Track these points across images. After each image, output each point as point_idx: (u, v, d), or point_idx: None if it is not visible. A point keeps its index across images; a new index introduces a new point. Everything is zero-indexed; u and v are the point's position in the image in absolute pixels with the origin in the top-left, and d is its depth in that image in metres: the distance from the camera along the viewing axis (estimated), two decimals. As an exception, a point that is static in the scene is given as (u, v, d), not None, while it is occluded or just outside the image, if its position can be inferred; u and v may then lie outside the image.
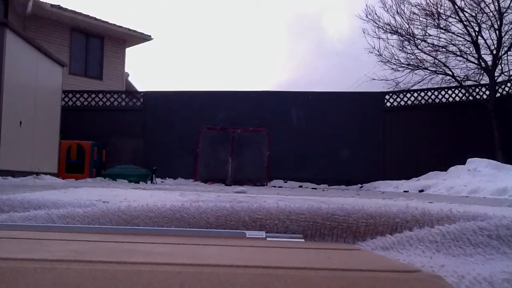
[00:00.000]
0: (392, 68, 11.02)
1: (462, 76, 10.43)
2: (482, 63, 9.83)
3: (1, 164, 5.23)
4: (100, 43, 15.61)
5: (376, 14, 11.01)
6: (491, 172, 6.60)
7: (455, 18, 10.06)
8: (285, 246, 0.63)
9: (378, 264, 0.47)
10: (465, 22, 9.88)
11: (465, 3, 9.78)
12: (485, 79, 9.94)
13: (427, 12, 10.30)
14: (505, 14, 9.42)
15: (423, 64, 10.70)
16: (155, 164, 8.64)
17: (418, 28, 10.59)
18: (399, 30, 10.71)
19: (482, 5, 9.58)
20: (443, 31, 10.34)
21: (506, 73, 9.89)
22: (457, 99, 10.02)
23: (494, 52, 9.65)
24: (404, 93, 10.53)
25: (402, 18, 10.62)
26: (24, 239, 0.58)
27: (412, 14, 10.50)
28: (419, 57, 10.70)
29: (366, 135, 10.16)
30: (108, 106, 10.80)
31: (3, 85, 5.15)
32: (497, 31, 9.59)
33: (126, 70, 16.58)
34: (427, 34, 10.55)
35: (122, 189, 3.08)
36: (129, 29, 15.71)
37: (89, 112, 10.71)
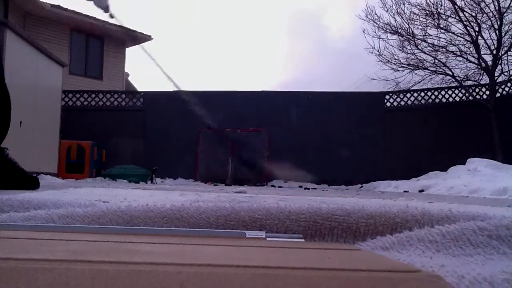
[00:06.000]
0: (392, 68, 11.03)
1: (462, 76, 10.44)
2: (482, 63, 9.83)
3: (1, 164, 5.21)
4: (100, 43, 15.62)
5: (376, 14, 11.03)
6: (491, 172, 6.60)
7: (455, 18, 10.07)
8: (285, 246, 0.63)
9: (378, 264, 0.47)
10: (465, 22, 9.88)
11: (465, 3, 9.78)
12: (485, 79, 9.94)
13: (427, 12, 10.31)
14: (505, 14, 9.42)
15: (423, 64, 10.70)
16: (155, 164, 8.64)
17: (418, 28, 10.60)
18: (399, 30, 10.71)
19: (482, 5, 9.59)
20: (443, 31, 10.34)
21: (506, 73, 9.90)
22: (457, 99, 10.02)
23: (494, 52, 9.65)
24: (404, 93, 10.53)
25: (402, 18, 10.63)
26: (24, 239, 0.58)
27: (412, 14, 10.51)
28: (419, 57, 10.70)
29: (366, 135, 10.15)
30: (108, 106, 10.79)
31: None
32: (497, 31, 9.59)
33: (126, 70, 16.59)
34: (427, 34, 10.56)
35: (122, 189, 3.09)
36: (129, 29, 15.71)
37: (89, 112, 10.70)
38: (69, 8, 14.28)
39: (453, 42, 10.30)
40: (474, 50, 9.95)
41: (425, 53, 10.61)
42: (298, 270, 0.39)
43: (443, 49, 10.45)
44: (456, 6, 9.84)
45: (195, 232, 0.74)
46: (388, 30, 10.86)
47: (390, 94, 10.57)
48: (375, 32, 11.12)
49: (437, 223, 0.78)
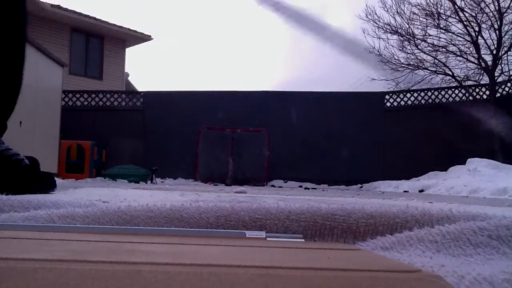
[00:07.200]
0: (392, 68, 11.03)
1: (462, 76, 10.45)
2: (482, 63, 9.84)
3: (1, 164, 5.21)
4: (100, 43, 15.62)
5: (376, 14, 11.05)
6: (491, 172, 6.60)
7: (455, 18, 10.08)
8: (285, 246, 0.63)
9: (378, 264, 0.47)
10: (465, 22, 9.89)
11: (465, 3, 9.80)
12: (485, 79, 9.95)
13: (427, 12, 10.32)
14: (505, 14, 9.43)
15: (423, 64, 10.72)
16: (155, 164, 8.63)
17: (418, 28, 10.63)
18: (399, 30, 10.73)
19: (482, 5, 9.60)
20: (443, 31, 10.36)
21: (506, 73, 9.91)
22: (457, 99, 10.02)
23: (494, 52, 9.66)
24: (404, 93, 10.53)
25: (402, 18, 10.65)
26: (24, 239, 0.58)
27: (412, 14, 10.53)
28: (419, 57, 10.72)
29: (366, 135, 10.16)
30: (108, 106, 10.80)
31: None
32: (497, 31, 9.60)
33: (126, 70, 16.59)
34: (427, 34, 10.58)
35: (122, 189, 3.08)
36: (129, 29, 15.72)
37: (89, 112, 10.70)
38: (69, 8, 14.29)
39: (453, 42, 10.32)
40: (474, 50, 9.96)
41: (425, 53, 10.63)
42: (298, 270, 0.39)
43: (443, 49, 10.47)
44: (456, 6, 9.85)
45: (195, 232, 0.74)
46: (388, 30, 10.89)
47: (390, 94, 10.57)
48: (375, 32, 11.14)
49: (437, 223, 0.78)
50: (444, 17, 10.20)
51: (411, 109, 10.26)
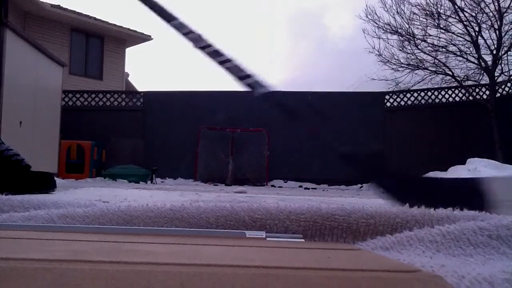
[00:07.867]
0: (392, 68, 11.03)
1: (462, 76, 10.43)
2: (482, 63, 9.83)
3: (1, 164, 5.20)
4: (100, 43, 15.63)
5: (376, 14, 11.03)
6: (491, 172, 6.60)
7: (455, 18, 10.06)
8: (285, 246, 0.63)
9: (378, 264, 0.47)
10: (465, 22, 9.88)
11: (465, 3, 9.78)
12: (485, 79, 9.94)
13: (427, 12, 10.30)
14: (505, 14, 9.42)
15: (423, 64, 10.70)
16: (155, 164, 8.63)
17: (418, 28, 10.60)
18: (399, 30, 10.71)
19: (482, 5, 9.59)
20: (443, 31, 10.34)
21: (506, 73, 9.89)
22: (457, 99, 10.02)
23: (494, 52, 9.65)
24: (404, 93, 10.53)
25: (402, 18, 10.63)
26: (24, 239, 0.58)
27: (412, 14, 10.51)
28: (419, 57, 10.70)
29: (366, 135, 10.15)
30: (108, 106, 10.80)
31: (3, 85, 5.14)
32: (497, 31, 9.59)
33: (126, 70, 16.59)
34: (427, 34, 10.56)
35: (122, 189, 3.08)
36: (129, 29, 15.72)
37: (89, 112, 10.71)
38: (69, 8, 14.30)
39: (453, 42, 10.30)
40: (474, 50, 9.94)
41: (425, 53, 10.61)
42: (298, 270, 0.39)
43: (443, 49, 10.45)
44: (456, 6, 9.84)
45: (195, 232, 0.74)
46: (388, 30, 10.87)
47: (390, 94, 10.57)
48: (375, 32, 11.13)
49: (437, 223, 0.78)
50: (444, 17, 10.19)
51: (411, 109, 10.25)
